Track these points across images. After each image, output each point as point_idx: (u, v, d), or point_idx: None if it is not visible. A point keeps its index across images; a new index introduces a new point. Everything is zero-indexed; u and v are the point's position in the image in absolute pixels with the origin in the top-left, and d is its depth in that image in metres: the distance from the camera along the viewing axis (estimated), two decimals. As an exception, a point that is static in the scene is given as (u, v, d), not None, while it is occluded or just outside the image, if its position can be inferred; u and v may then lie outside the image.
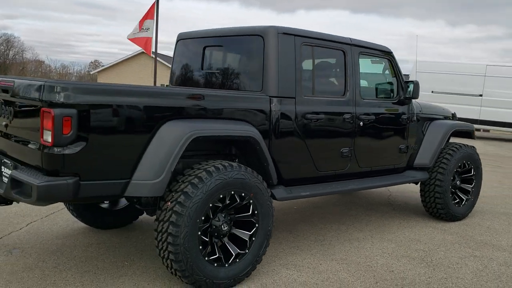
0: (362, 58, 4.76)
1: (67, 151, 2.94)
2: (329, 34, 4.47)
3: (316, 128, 4.28)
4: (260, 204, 3.61)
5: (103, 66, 47.10)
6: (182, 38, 4.93)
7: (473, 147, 5.90)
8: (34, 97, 3.02)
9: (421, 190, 5.68)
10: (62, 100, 2.91)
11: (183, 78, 4.89)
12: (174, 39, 4.98)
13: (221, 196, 3.40)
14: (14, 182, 3.10)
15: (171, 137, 3.28)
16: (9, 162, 3.44)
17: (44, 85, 2.95)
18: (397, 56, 5.22)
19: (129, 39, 27.33)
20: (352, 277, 3.90)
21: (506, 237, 5.26)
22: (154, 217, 3.48)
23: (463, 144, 5.80)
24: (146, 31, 32.07)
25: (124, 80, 39.87)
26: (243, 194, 3.52)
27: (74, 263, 3.88)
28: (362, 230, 5.20)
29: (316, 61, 4.43)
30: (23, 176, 3.02)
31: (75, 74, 67.39)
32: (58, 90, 2.92)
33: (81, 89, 3.00)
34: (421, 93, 6.16)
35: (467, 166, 5.80)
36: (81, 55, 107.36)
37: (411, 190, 7.21)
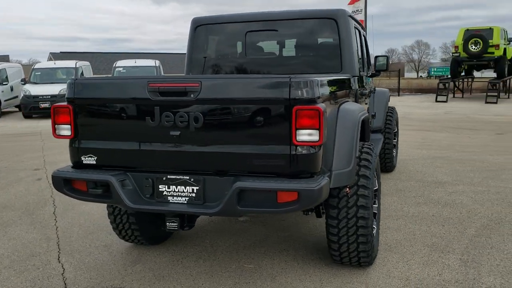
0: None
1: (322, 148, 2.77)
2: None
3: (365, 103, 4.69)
4: (378, 177, 3.84)
5: None
6: (203, 24, 4.55)
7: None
8: (270, 96, 2.75)
9: (372, 149, 6.58)
10: (315, 95, 2.75)
11: (214, 66, 4.55)
12: None
13: None
14: (243, 194, 2.73)
15: (350, 123, 3.25)
16: (185, 177, 2.89)
17: (291, 82, 2.68)
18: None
19: None
20: (461, 226, 4.48)
21: (441, 174, 6.64)
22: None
23: (392, 107, 6.94)
24: None
25: None
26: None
27: (216, 280, 3.43)
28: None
29: (357, 40, 4.77)
30: (271, 185, 2.71)
31: None
32: (307, 86, 2.72)
33: (317, 82, 2.82)
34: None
35: (395, 124, 6.99)
36: None
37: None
